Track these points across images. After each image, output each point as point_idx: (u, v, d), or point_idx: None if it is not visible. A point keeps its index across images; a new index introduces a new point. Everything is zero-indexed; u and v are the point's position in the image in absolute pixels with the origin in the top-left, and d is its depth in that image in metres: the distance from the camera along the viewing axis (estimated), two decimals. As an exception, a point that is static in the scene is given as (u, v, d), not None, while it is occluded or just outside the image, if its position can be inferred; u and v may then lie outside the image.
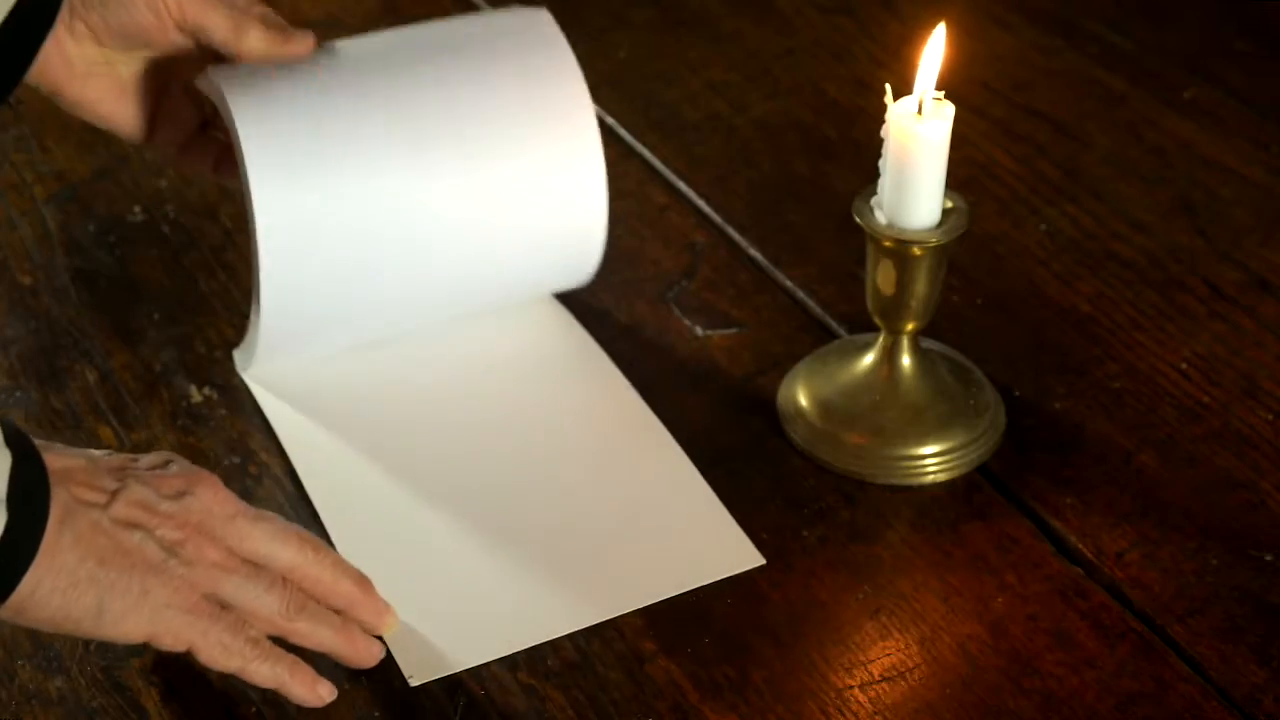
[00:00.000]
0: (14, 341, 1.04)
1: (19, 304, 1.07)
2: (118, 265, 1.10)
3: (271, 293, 0.93)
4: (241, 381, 1.00)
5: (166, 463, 0.79)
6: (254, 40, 0.93)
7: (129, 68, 0.95)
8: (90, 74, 0.94)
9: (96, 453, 0.78)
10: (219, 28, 0.93)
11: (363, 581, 0.83)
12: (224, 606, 0.78)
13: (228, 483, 0.94)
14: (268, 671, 0.79)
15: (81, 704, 0.83)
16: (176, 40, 0.94)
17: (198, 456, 0.96)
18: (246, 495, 0.93)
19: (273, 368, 1.00)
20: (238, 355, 1.00)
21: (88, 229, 1.13)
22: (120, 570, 0.75)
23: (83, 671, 0.83)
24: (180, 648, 0.77)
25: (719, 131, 1.23)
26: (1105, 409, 0.99)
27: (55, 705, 0.83)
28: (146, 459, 0.79)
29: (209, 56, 0.95)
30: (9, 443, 0.73)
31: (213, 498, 0.79)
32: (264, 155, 0.91)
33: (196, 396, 1.00)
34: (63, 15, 0.91)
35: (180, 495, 0.78)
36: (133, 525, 0.76)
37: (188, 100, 0.98)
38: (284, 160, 0.92)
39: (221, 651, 0.78)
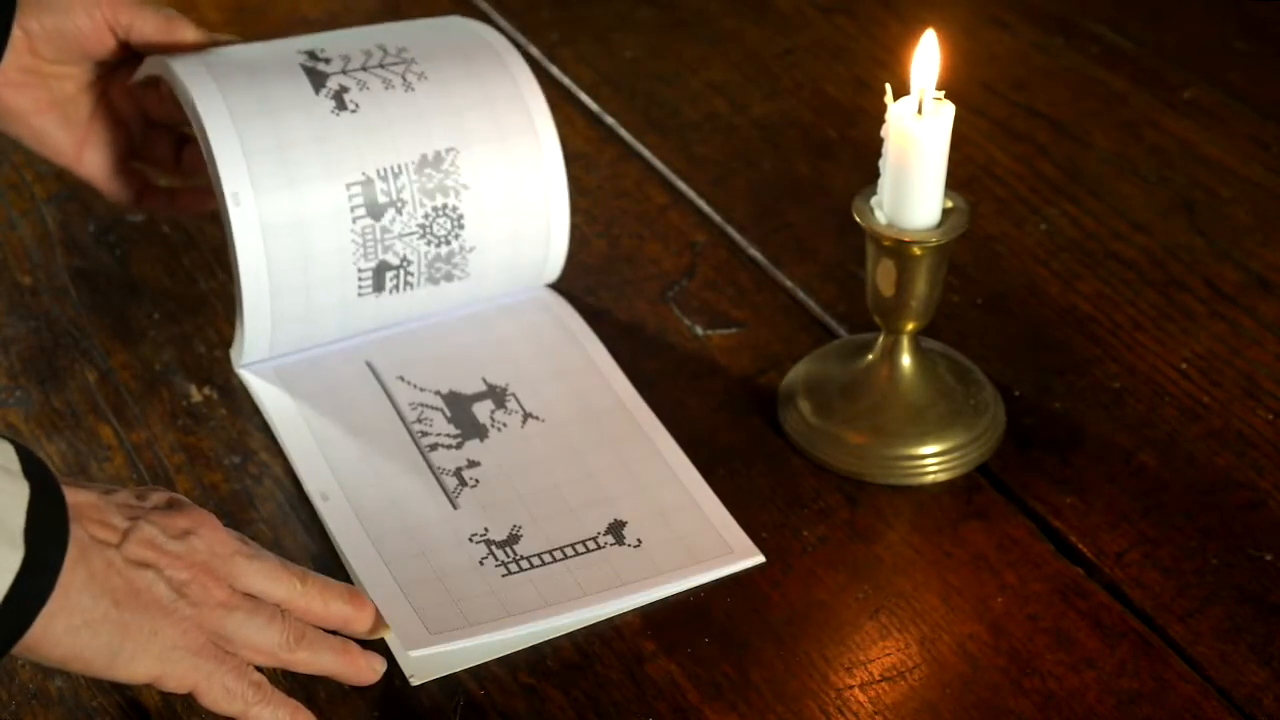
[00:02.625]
0: (14, 341, 1.04)
1: (19, 304, 1.07)
2: (118, 265, 1.10)
3: (249, 280, 0.94)
4: (242, 381, 1.00)
5: (169, 502, 0.79)
6: (188, 34, 0.98)
7: (61, 85, 0.98)
8: (24, 83, 0.96)
9: (99, 486, 0.79)
10: (152, 27, 0.97)
11: (354, 597, 0.84)
12: (227, 643, 0.79)
13: (227, 482, 0.94)
14: (269, 716, 0.79)
15: (81, 703, 0.83)
16: (109, 45, 0.97)
17: (197, 456, 0.96)
18: (246, 495, 0.94)
19: (268, 365, 1.00)
20: (233, 352, 1.00)
21: (88, 229, 1.13)
22: (134, 611, 0.75)
23: (83, 671, 0.84)
24: (184, 690, 0.77)
25: (719, 131, 1.23)
26: (1105, 409, 0.99)
27: (55, 705, 0.83)
28: (152, 497, 0.79)
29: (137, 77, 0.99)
30: (27, 473, 0.72)
31: (214, 537, 0.79)
32: (228, 143, 0.94)
33: (196, 396, 1.00)
34: None
35: (185, 535, 0.78)
36: (144, 565, 0.76)
37: (116, 126, 1.01)
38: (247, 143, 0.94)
39: (224, 695, 0.78)
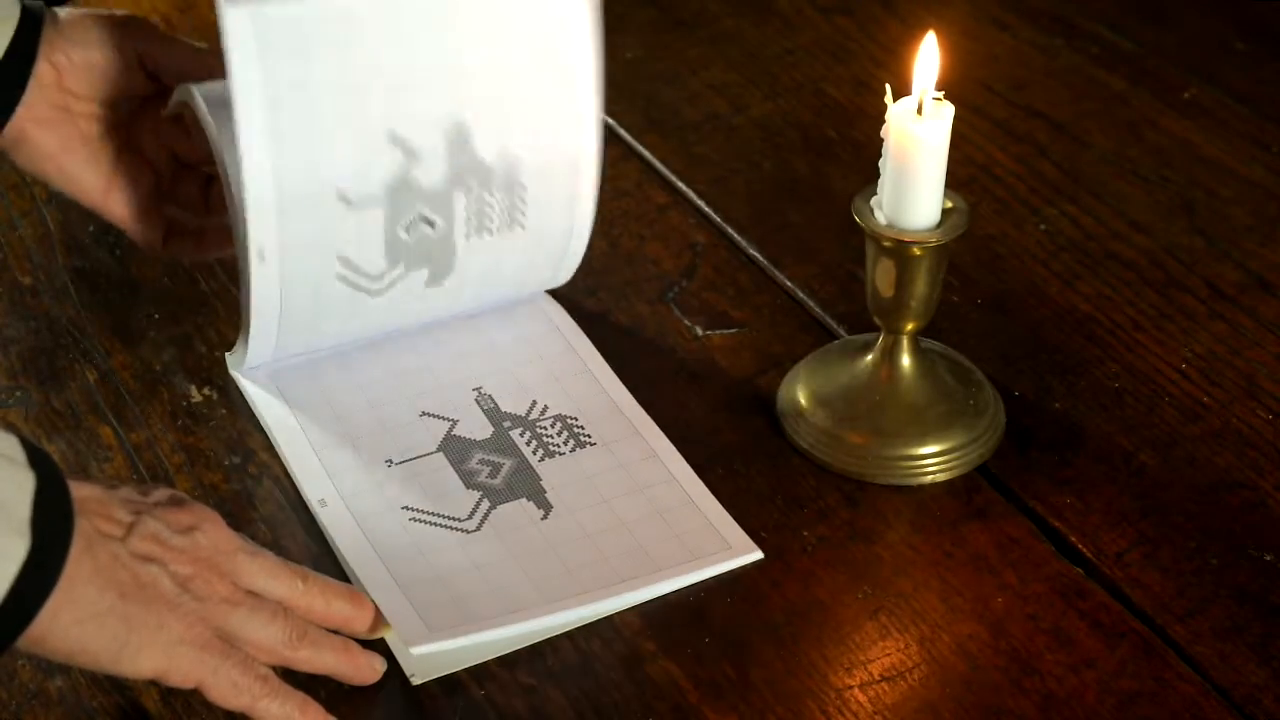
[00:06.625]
0: (14, 341, 1.04)
1: (19, 304, 1.07)
2: (118, 265, 1.10)
3: (260, 290, 0.94)
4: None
5: (172, 499, 0.80)
6: (216, 65, 0.95)
7: (89, 123, 0.96)
8: (52, 120, 0.95)
9: (103, 481, 0.79)
10: (181, 59, 0.96)
11: (354, 597, 0.84)
12: (231, 639, 0.79)
13: (227, 482, 0.94)
14: (277, 709, 0.79)
15: (81, 703, 0.83)
16: (138, 79, 0.96)
17: (197, 456, 0.96)
18: (246, 495, 0.94)
19: (264, 369, 1.00)
20: (232, 357, 1.00)
21: (88, 229, 1.13)
22: (139, 604, 0.75)
23: (83, 671, 0.83)
24: (190, 685, 0.77)
25: (719, 131, 1.23)
26: (1105, 409, 0.99)
27: (55, 705, 0.83)
28: (155, 494, 0.80)
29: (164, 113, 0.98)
30: (33, 464, 0.72)
31: (217, 534, 0.79)
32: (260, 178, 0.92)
33: (196, 396, 1.00)
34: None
35: (189, 530, 0.78)
36: (148, 559, 0.76)
37: (144, 167, 0.99)
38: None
39: (231, 689, 0.78)
